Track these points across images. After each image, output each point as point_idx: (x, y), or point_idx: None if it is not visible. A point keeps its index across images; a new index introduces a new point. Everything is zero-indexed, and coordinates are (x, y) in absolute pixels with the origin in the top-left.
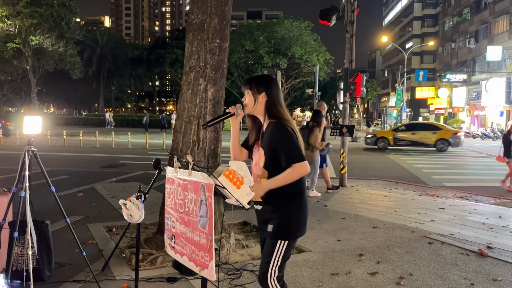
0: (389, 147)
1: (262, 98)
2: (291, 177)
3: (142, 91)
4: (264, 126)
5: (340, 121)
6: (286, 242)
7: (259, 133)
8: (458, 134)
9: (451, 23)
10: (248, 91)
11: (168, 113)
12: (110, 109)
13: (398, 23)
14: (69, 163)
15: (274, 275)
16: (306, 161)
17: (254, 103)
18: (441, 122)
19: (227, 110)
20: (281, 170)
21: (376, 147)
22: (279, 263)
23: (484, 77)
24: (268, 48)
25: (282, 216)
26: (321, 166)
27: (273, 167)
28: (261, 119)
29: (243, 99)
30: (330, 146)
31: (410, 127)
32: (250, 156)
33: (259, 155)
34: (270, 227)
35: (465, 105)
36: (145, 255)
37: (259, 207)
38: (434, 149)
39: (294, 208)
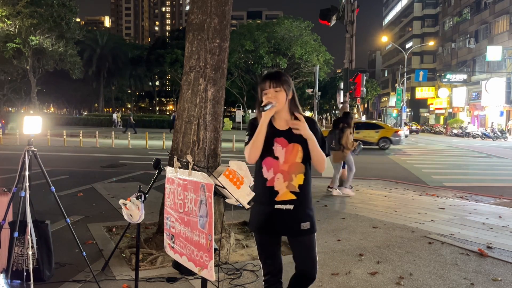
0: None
1: (290, 94)
2: (325, 162)
3: (142, 91)
4: (284, 123)
5: None
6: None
7: (271, 129)
8: (399, 132)
9: (451, 23)
10: (279, 89)
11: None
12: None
13: (398, 23)
14: (69, 163)
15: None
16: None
17: (286, 100)
18: (441, 122)
19: (265, 102)
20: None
21: None
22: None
23: (484, 77)
24: (268, 48)
25: (313, 212)
26: (343, 167)
27: (309, 160)
28: (282, 115)
29: (267, 97)
30: (361, 146)
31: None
32: (266, 155)
33: (291, 151)
34: (307, 224)
35: (465, 105)
36: (145, 255)
37: (290, 207)
38: (377, 147)
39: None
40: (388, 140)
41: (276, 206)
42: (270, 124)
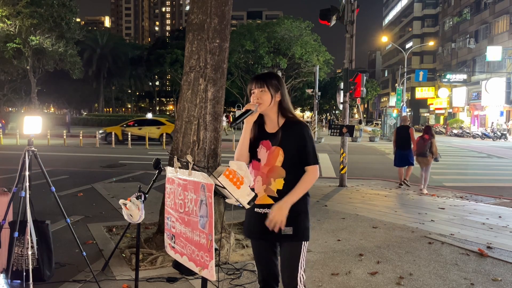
0: (119, 142)
1: (278, 97)
2: (310, 182)
3: (142, 91)
4: (274, 125)
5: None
6: (307, 242)
7: (261, 132)
8: None
9: (451, 23)
10: (264, 89)
11: None
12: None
13: (398, 23)
14: (69, 163)
15: (303, 279)
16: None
17: (270, 101)
18: (441, 122)
19: (244, 108)
20: (299, 168)
21: (106, 142)
22: (304, 266)
23: (484, 77)
24: (268, 48)
25: (300, 215)
26: (411, 164)
27: (294, 166)
28: (271, 117)
29: (253, 97)
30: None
31: (138, 123)
32: (252, 158)
33: (272, 154)
34: (288, 229)
35: (465, 105)
36: (145, 255)
37: (267, 211)
38: (159, 142)
39: (306, 207)
40: (170, 136)
41: (255, 209)
42: (261, 127)
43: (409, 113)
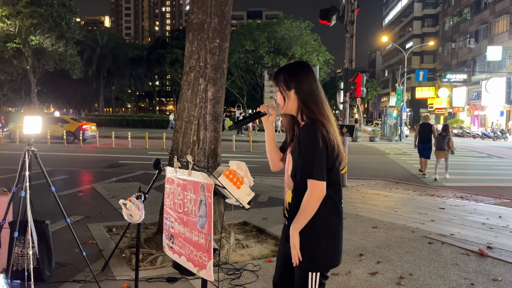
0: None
1: (293, 94)
2: (308, 202)
3: (142, 91)
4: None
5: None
6: (318, 274)
7: (292, 135)
8: (84, 127)
9: (451, 23)
10: (278, 89)
11: None
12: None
13: (398, 23)
14: (69, 163)
15: None
16: (324, 183)
17: (284, 102)
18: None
19: (257, 109)
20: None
21: (10, 140)
22: None
23: (484, 77)
24: (268, 48)
25: (305, 243)
26: (427, 157)
27: (300, 177)
28: (297, 118)
29: (275, 96)
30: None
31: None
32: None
33: (288, 161)
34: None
35: (465, 105)
36: (145, 255)
37: (285, 221)
38: (61, 140)
39: (316, 233)
40: (73, 134)
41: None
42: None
43: (409, 113)
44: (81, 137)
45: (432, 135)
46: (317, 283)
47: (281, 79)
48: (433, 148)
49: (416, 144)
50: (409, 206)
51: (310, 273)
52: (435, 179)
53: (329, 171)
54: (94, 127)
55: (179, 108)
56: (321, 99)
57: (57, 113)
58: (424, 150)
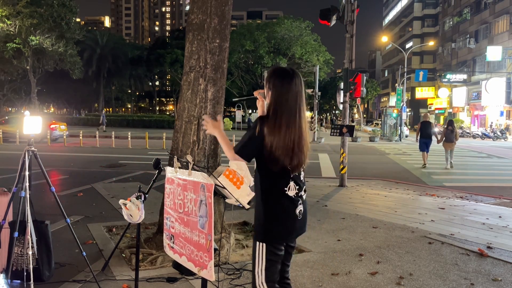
0: None
1: (268, 95)
2: (225, 150)
3: (142, 91)
4: None
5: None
6: (264, 244)
7: None
8: (51, 126)
9: (451, 23)
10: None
11: None
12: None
13: (398, 23)
14: (69, 163)
15: (259, 279)
16: (238, 157)
17: (264, 98)
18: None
19: (254, 93)
20: (262, 172)
21: None
22: (262, 265)
23: (484, 77)
24: (268, 48)
25: (257, 214)
26: (427, 151)
27: (258, 167)
28: None
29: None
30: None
31: (9, 121)
32: None
33: None
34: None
35: (465, 105)
36: (145, 255)
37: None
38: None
39: (266, 208)
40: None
41: None
42: None
43: (409, 113)
44: (48, 137)
45: (431, 131)
46: (263, 251)
47: (267, 78)
48: (432, 142)
49: (418, 139)
50: (409, 206)
51: (257, 242)
52: (451, 166)
53: (270, 163)
54: (63, 127)
55: (179, 108)
56: (283, 111)
57: (27, 113)
58: (423, 144)
